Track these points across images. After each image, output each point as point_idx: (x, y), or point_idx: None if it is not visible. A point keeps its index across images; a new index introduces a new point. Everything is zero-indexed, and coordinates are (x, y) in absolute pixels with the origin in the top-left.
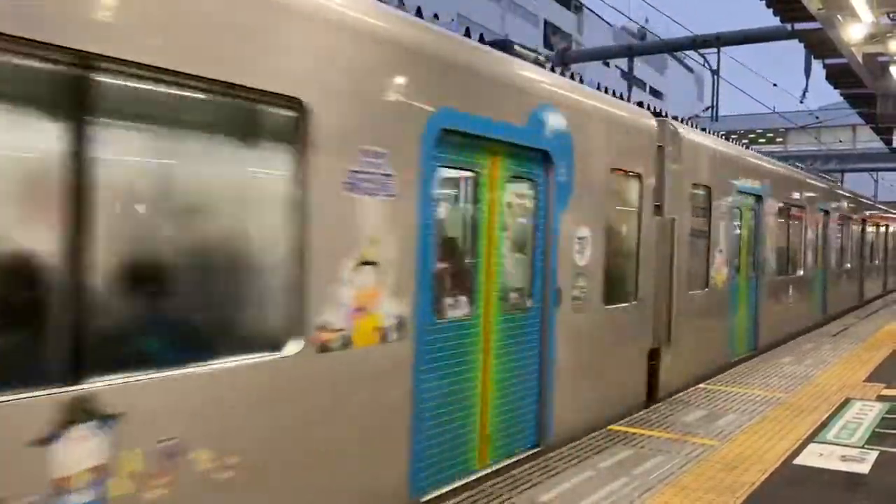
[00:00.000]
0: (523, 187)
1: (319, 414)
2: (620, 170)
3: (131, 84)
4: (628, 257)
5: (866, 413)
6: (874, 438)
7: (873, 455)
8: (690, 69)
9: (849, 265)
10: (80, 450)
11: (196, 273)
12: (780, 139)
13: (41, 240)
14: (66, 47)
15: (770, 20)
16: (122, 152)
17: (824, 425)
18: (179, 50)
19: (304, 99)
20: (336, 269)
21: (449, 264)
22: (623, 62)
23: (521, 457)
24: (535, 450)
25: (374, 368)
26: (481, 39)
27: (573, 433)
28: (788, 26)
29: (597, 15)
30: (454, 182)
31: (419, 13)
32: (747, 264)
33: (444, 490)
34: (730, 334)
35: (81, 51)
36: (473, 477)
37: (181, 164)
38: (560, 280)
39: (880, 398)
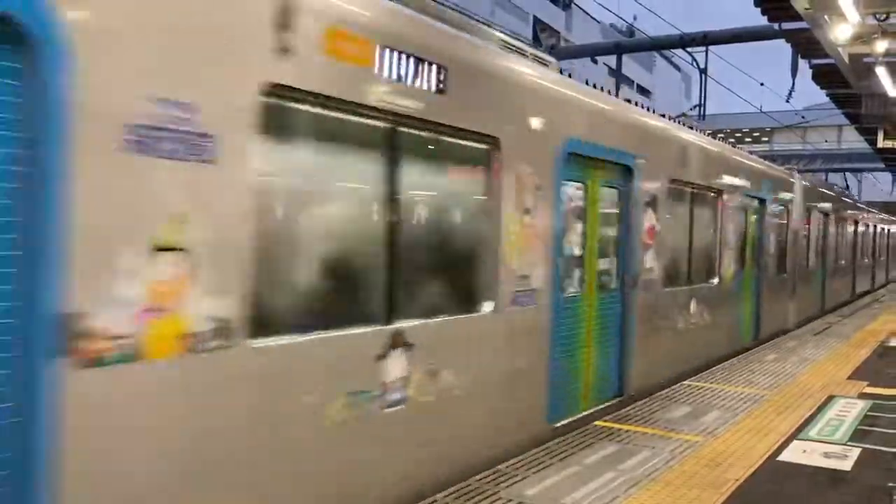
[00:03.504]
0: None
1: None
2: None
3: None
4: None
5: (849, 410)
6: (856, 435)
7: (856, 452)
8: (678, 67)
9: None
10: None
11: None
12: (766, 138)
13: None
14: None
15: (758, 20)
16: None
17: (808, 422)
18: None
19: None
20: None
21: None
22: (611, 59)
23: None
24: None
25: None
26: None
27: None
28: (776, 26)
29: (585, 12)
30: None
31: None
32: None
33: None
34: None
35: None
36: None
37: None
38: None
39: (863, 396)
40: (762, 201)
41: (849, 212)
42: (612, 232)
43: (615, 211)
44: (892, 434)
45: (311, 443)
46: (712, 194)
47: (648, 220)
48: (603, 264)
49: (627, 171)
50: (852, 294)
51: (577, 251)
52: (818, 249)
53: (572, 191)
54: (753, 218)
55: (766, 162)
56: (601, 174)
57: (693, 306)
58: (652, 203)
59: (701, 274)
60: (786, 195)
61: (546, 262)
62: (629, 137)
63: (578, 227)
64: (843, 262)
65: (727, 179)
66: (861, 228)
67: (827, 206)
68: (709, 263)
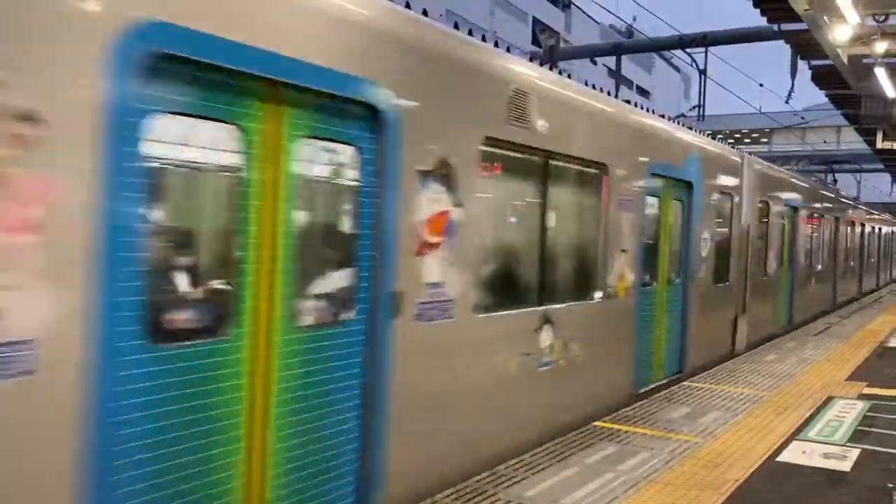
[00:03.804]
0: None
1: None
2: None
3: None
4: None
5: (848, 411)
6: (856, 436)
7: (855, 453)
8: (677, 68)
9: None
10: None
11: None
12: (765, 139)
13: None
14: None
15: (757, 20)
16: None
17: (807, 423)
18: None
19: None
20: None
21: None
22: (610, 60)
23: None
24: None
25: None
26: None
27: None
28: (775, 27)
29: (584, 13)
30: None
31: (408, 8)
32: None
33: None
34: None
35: None
36: None
37: None
38: None
39: (862, 396)
40: (688, 185)
41: (828, 206)
42: (338, 221)
43: (346, 184)
44: (891, 435)
45: None
46: (590, 169)
47: (434, 203)
48: (318, 280)
49: (371, 114)
50: (833, 303)
51: (217, 255)
52: (782, 251)
53: (190, 135)
54: (672, 207)
55: (696, 134)
56: (293, 111)
57: (547, 338)
58: (441, 175)
59: (567, 287)
60: (728, 180)
61: (66, 281)
62: (376, 53)
63: (219, 212)
64: (819, 266)
65: (618, 149)
66: (845, 227)
67: (795, 197)
68: (584, 271)
